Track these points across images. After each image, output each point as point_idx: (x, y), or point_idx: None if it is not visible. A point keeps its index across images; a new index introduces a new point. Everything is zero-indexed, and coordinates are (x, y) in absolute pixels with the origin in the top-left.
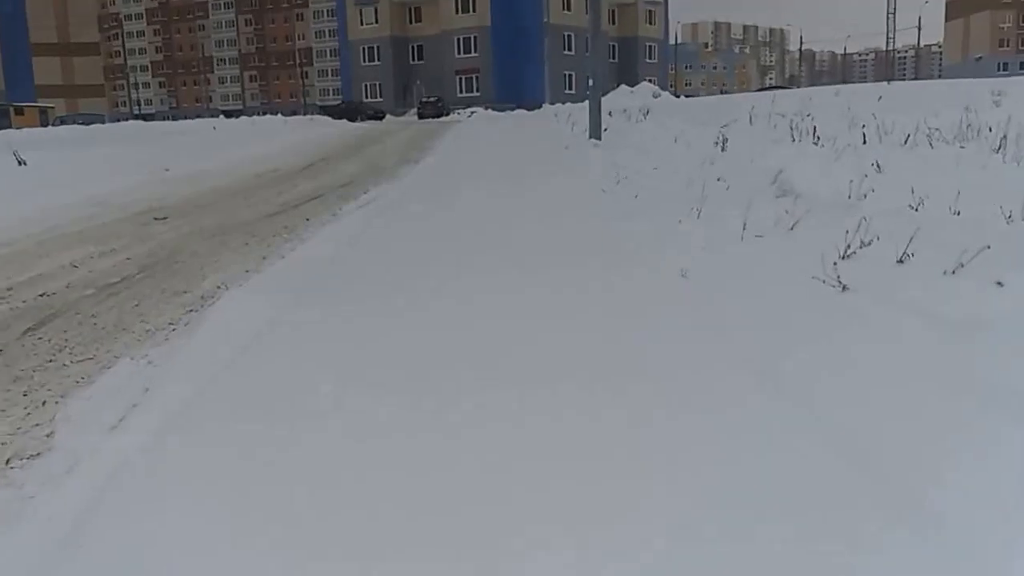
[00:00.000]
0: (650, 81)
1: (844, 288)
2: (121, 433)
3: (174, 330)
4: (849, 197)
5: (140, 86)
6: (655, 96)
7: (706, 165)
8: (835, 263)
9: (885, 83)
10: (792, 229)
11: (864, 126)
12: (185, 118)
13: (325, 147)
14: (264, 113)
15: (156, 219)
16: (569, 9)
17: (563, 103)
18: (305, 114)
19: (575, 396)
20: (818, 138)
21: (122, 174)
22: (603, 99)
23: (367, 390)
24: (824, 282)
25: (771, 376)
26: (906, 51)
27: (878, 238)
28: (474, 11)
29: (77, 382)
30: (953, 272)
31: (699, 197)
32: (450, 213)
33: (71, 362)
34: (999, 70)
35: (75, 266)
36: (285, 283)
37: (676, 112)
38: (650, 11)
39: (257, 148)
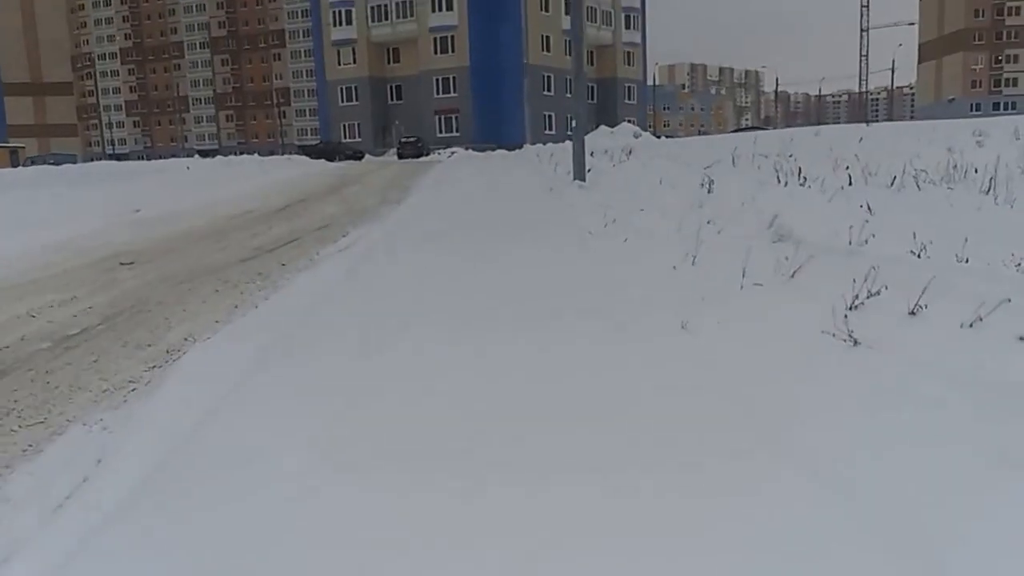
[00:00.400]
0: (629, 122)
1: (856, 343)
2: (66, 515)
3: (134, 390)
4: (850, 243)
5: (114, 126)
6: (636, 136)
7: (695, 208)
8: (845, 315)
9: (864, 124)
10: (793, 277)
11: (848, 168)
12: (160, 158)
13: (303, 188)
14: (241, 153)
15: (122, 264)
16: (548, 50)
17: (543, 143)
18: (283, 154)
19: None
20: (804, 179)
21: (90, 216)
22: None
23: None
24: (834, 336)
25: (791, 449)
26: (878, 93)
27: (886, 287)
28: (453, 51)
29: (23, 451)
30: (971, 326)
31: (691, 241)
32: (435, 257)
33: (19, 427)
34: (972, 111)
35: (32, 316)
36: (256, 337)
37: (658, 153)
38: (628, 53)
39: (232, 189)
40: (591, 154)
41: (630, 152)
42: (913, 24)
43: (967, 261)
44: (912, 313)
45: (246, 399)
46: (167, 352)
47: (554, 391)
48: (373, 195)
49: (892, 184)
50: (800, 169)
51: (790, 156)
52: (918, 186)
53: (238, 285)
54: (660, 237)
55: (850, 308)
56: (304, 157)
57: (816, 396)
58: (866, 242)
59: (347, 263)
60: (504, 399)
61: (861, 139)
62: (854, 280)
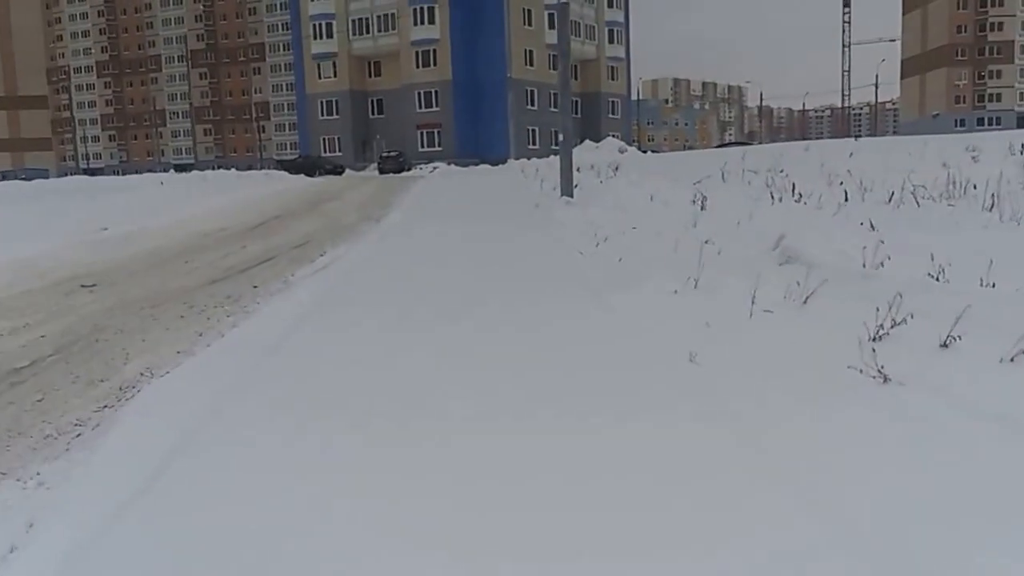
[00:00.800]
0: (614, 136)
1: (886, 380)
2: None
3: (79, 435)
4: (864, 265)
5: (89, 140)
6: (621, 151)
7: (689, 226)
8: (873, 349)
9: (853, 139)
10: (806, 303)
11: (843, 183)
12: (136, 172)
13: (280, 203)
14: (219, 167)
15: (83, 287)
16: (532, 64)
17: (528, 158)
18: (261, 168)
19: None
20: (800, 196)
21: (54, 234)
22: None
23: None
24: (861, 372)
25: (826, 514)
26: (860, 108)
27: (911, 316)
28: (435, 65)
29: None
30: (1012, 360)
31: (690, 262)
32: (417, 283)
33: None
34: (956, 126)
35: None
36: (220, 371)
37: (645, 168)
38: (612, 67)
39: (206, 205)
40: (577, 169)
41: (616, 167)
42: (894, 41)
43: (993, 286)
44: (944, 345)
45: (200, 450)
46: (120, 389)
47: (551, 450)
48: (353, 212)
49: (890, 201)
50: (794, 185)
51: (781, 171)
52: (917, 203)
53: (205, 310)
54: (656, 257)
55: (874, 339)
56: (283, 172)
57: (848, 446)
58: (881, 265)
59: (324, 285)
60: (494, 489)
61: (852, 154)
62: (877, 308)
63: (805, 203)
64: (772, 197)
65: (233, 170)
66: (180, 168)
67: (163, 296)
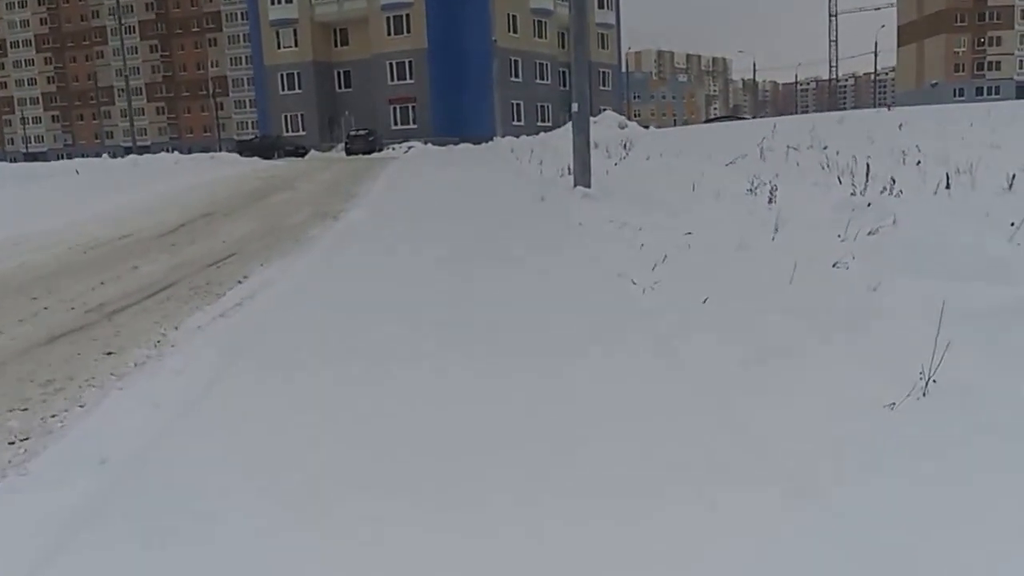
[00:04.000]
0: (609, 110)
1: None
2: None
3: None
4: None
5: (29, 121)
6: (621, 127)
7: (768, 229)
8: None
9: (886, 108)
10: None
11: (919, 163)
12: (83, 156)
13: (217, 196)
14: (173, 150)
15: None
16: (515, 31)
17: (515, 136)
18: (220, 150)
19: None
20: (893, 182)
21: None
22: (561, 131)
23: None
24: None
25: None
26: (846, 80)
27: None
28: (409, 32)
29: None
30: None
31: (837, 310)
32: (367, 358)
33: None
34: (955, 96)
35: None
36: None
37: (660, 146)
38: (603, 35)
39: (123, 199)
40: None
41: (627, 145)
42: (879, 9)
43: None
44: None
45: None
46: None
47: None
48: (304, 206)
49: (1011, 187)
50: (868, 166)
51: (824, 148)
52: None
53: None
54: (766, 297)
55: None
56: (234, 155)
57: None
58: None
59: (217, 358)
60: None
61: (902, 125)
62: None
63: (900, 192)
64: (840, 182)
65: (176, 153)
66: (129, 151)
67: None
